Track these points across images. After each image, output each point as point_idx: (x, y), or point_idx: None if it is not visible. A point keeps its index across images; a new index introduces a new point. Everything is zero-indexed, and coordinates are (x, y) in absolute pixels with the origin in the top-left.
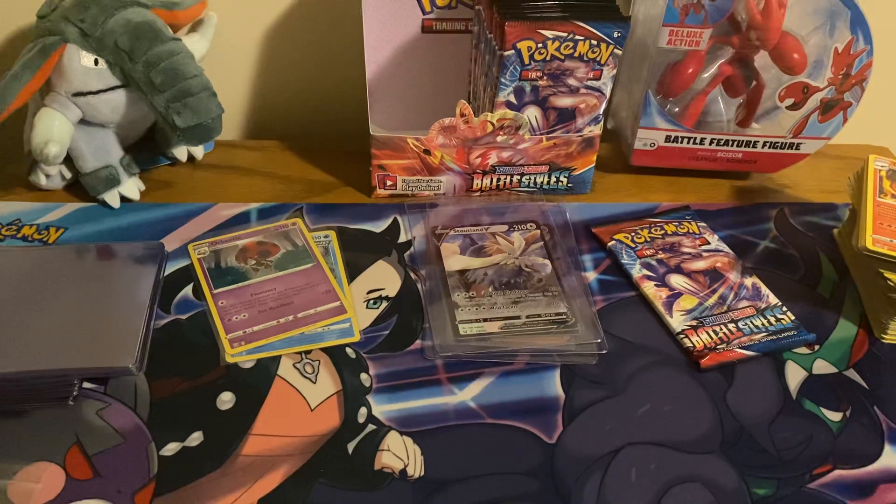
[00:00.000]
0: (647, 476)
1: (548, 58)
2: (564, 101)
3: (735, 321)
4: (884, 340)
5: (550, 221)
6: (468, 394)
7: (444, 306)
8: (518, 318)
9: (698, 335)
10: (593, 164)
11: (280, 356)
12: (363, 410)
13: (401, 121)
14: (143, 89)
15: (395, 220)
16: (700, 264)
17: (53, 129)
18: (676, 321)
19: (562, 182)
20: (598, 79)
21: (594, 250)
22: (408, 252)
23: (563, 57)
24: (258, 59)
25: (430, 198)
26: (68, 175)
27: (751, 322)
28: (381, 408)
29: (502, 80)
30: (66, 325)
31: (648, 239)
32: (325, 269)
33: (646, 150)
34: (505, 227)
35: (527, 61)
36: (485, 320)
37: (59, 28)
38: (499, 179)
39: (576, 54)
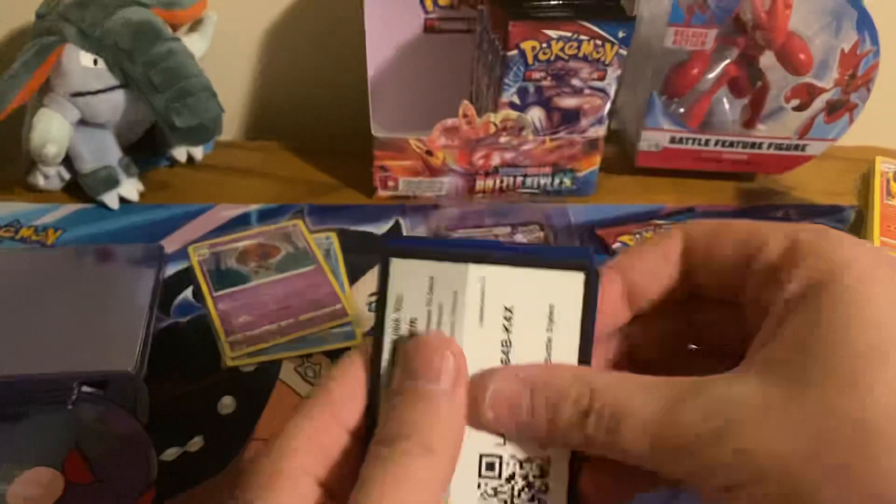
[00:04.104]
0: None
1: (552, 58)
2: (568, 102)
3: None
4: None
5: (554, 223)
6: None
7: None
8: None
9: None
10: (597, 166)
11: (281, 360)
12: None
13: (403, 121)
14: (142, 89)
15: (397, 221)
16: None
17: (52, 130)
18: None
19: (565, 183)
20: (603, 79)
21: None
22: None
23: (567, 57)
24: (258, 59)
25: (433, 199)
26: (67, 176)
27: None
28: None
29: (506, 80)
30: (64, 328)
31: None
32: (327, 271)
33: (651, 152)
34: (508, 229)
35: (531, 61)
36: None
37: (58, 27)
38: (502, 181)
39: (580, 54)
